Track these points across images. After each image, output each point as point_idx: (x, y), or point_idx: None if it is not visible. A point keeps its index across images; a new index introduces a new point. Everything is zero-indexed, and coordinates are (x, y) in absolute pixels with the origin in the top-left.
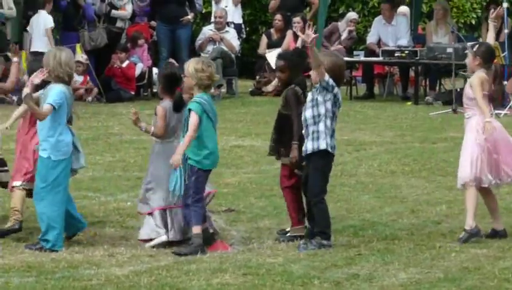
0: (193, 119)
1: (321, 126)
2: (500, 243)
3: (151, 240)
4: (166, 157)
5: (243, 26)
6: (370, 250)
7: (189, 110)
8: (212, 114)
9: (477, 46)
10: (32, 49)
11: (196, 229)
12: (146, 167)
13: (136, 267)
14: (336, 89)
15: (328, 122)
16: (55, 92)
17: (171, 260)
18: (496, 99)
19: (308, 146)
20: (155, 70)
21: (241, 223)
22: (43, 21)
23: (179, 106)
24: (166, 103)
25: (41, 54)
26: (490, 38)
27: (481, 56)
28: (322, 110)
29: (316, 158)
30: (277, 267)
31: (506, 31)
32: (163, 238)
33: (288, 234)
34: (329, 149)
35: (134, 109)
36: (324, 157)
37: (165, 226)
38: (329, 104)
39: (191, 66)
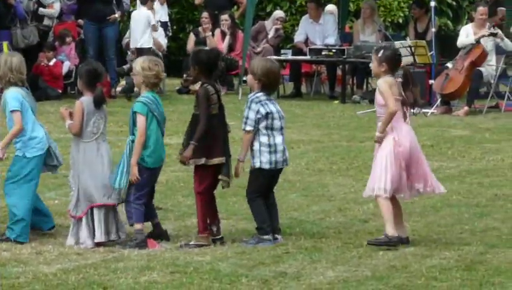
0: (140, 122)
1: (256, 145)
2: (427, 241)
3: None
4: (87, 157)
5: (169, 24)
6: (298, 248)
7: (134, 112)
8: (157, 113)
9: (382, 51)
10: (134, 45)
11: (138, 226)
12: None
13: (63, 265)
14: (264, 108)
15: (264, 139)
16: (10, 98)
17: (99, 258)
18: (416, 102)
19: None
20: None
21: (169, 221)
22: (145, 17)
23: (99, 101)
24: (86, 99)
25: (145, 49)
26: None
27: (386, 62)
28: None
29: (253, 172)
30: (205, 265)
31: (433, 29)
32: (89, 245)
33: (192, 242)
34: (264, 166)
35: (64, 107)
36: (261, 172)
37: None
38: (262, 123)
39: (138, 64)
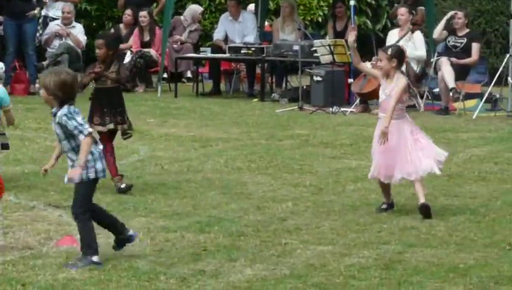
0: None
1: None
2: (345, 240)
3: None
4: None
5: None
6: (216, 246)
7: None
8: None
9: (389, 48)
10: None
11: None
12: None
13: None
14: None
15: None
16: None
17: (17, 254)
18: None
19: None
20: (0, 64)
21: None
22: None
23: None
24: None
25: None
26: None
27: (396, 57)
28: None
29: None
30: (123, 262)
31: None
32: None
33: None
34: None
35: None
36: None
37: None
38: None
39: None
